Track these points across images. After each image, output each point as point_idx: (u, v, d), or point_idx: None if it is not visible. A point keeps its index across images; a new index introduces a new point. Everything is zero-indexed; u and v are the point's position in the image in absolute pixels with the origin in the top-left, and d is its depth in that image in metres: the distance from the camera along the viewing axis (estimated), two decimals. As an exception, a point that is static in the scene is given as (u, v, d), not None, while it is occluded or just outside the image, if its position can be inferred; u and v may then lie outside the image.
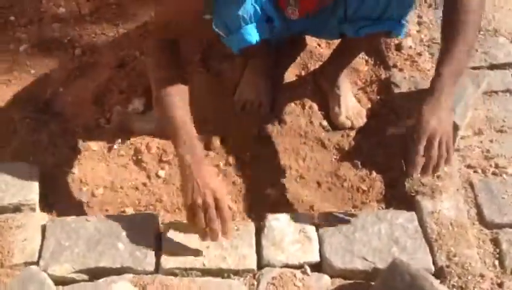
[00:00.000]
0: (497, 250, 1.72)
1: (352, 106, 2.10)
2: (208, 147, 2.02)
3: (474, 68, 2.20)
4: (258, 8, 1.76)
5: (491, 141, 1.99)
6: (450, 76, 1.57)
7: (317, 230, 1.72)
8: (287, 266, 1.65)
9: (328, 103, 2.14)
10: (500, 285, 1.63)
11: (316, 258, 1.67)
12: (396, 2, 1.76)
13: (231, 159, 2.00)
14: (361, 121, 2.09)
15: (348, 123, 2.07)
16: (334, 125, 2.09)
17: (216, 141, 2.03)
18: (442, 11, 1.69)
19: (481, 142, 1.99)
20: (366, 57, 2.32)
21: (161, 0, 1.78)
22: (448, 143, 1.56)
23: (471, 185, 1.87)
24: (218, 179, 1.65)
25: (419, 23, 2.45)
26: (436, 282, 1.48)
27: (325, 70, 2.16)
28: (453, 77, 1.57)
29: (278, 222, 1.73)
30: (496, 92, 2.17)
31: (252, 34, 1.79)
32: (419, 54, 2.30)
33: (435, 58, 2.28)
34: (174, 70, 1.72)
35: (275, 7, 1.80)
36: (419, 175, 1.60)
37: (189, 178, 1.57)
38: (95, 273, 1.62)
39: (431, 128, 1.54)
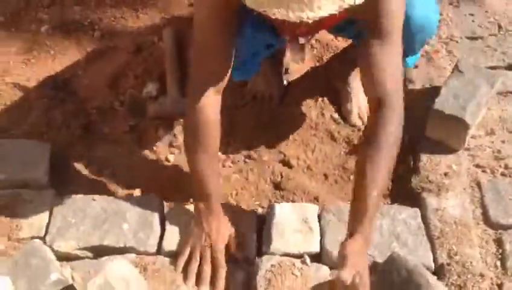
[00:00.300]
0: (500, 251, 1.70)
1: (364, 105, 2.09)
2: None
3: (491, 68, 2.17)
4: (264, 41, 1.76)
5: (503, 142, 1.97)
6: (368, 222, 1.49)
7: (319, 221, 1.73)
8: (286, 254, 1.66)
9: (335, 98, 2.14)
10: (500, 286, 1.62)
11: (316, 248, 1.68)
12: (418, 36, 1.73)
13: (240, 147, 2.01)
14: None
15: (359, 123, 2.07)
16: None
17: (227, 128, 2.04)
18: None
19: (492, 142, 1.97)
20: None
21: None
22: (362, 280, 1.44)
23: (479, 184, 1.85)
24: (228, 231, 1.67)
25: (439, 20, 2.42)
26: (432, 278, 1.48)
27: (336, 68, 2.15)
28: (369, 223, 1.49)
29: (282, 211, 1.74)
30: (511, 93, 2.14)
31: (257, 64, 1.84)
32: (437, 51, 2.28)
33: (452, 55, 2.27)
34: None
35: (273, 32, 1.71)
36: None
37: (196, 223, 1.64)
38: (99, 251, 1.66)
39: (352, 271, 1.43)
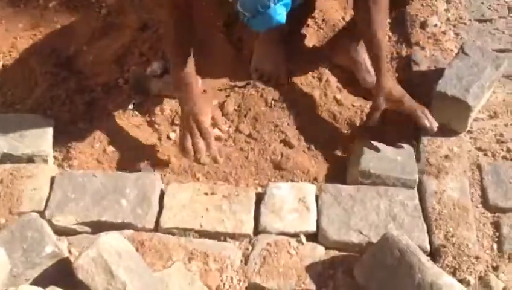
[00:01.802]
0: (497, 234, 1.71)
1: None
2: (221, 112, 2.03)
3: (499, 50, 2.14)
4: None
5: (506, 125, 1.96)
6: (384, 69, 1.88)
7: (316, 201, 1.73)
8: (282, 233, 1.68)
9: (348, 76, 2.12)
10: (495, 268, 1.62)
11: (312, 228, 1.69)
12: None
13: (242, 126, 2.01)
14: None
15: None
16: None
17: (230, 107, 2.05)
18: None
19: (495, 125, 1.96)
20: (390, 33, 2.29)
21: None
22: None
23: (479, 167, 1.85)
24: (209, 105, 1.93)
25: (447, 1, 2.39)
26: (424, 258, 1.48)
27: (339, 44, 2.13)
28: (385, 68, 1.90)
29: (279, 190, 1.75)
30: (517, 76, 2.12)
31: (282, 14, 1.78)
32: (444, 33, 2.26)
33: (459, 38, 2.25)
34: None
35: None
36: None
37: (181, 109, 1.87)
38: (97, 227, 1.69)
39: (382, 102, 1.86)
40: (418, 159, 1.86)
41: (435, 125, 1.84)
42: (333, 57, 2.13)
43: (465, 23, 2.31)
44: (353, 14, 2.08)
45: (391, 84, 1.90)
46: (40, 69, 2.15)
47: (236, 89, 2.10)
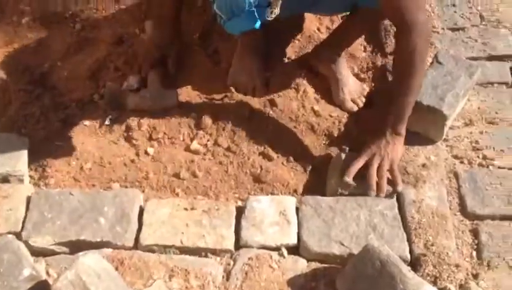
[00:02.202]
0: (476, 241, 1.72)
1: (355, 88, 2.10)
2: (199, 125, 2.03)
3: (472, 58, 2.17)
4: None
5: (481, 133, 1.98)
6: (398, 118, 1.81)
7: (297, 213, 1.73)
8: (264, 247, 1.67)
9: (325, 87, 2.14)
10: (475, 276, 1.63)
11: (293, 241, 1.68)
12: None
13: (220, 140, 2.00)
14: (363, 100, 2.11)
15: (355, 107, 2.08)
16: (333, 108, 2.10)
17: (208, 120, 2.04)
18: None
19: (471, 133, 1.98)
20: (365, 43, 2.31)
21: None
22: (391, 167, 1.79)
23: (456, 175, 1.86)
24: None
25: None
26: (405, 268, 1.48)
27: (321, 54, 2.15)
28: (399, 118, 1.81)
29: (259, 204, 1.75)
30: (491, 84, 2.15)
31: (256, 19, 1.79)
32: (418, 42, 2.28)
33: (433, 47, 2.27)
34: None
35: None
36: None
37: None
38: (75, 246, 1.66)
39: (368, 154, 1.79)
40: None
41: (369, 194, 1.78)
42: (317, 65, 2.14)
43: (438, 32, 2.34)
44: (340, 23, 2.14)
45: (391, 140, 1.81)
46: (14, 86, 2.12)
47: (214, 102, 2.10)
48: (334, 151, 1.98)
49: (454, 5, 2.43)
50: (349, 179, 1.76)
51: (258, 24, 1.79)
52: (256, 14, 1.77)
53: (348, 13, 2.13)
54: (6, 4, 2.47)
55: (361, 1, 1.92)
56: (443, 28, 2.34)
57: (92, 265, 1.40)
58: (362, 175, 1.78)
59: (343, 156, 1.85)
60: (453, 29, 2.34)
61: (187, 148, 1.97)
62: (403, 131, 1.81)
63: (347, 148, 1.91)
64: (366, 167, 1.78)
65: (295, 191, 1.88)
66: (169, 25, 2.14)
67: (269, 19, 1.80)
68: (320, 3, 1.95)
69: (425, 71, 1.88)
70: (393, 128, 1.80)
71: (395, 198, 1.78)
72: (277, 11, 1.77)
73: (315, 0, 1.87)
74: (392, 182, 1.78)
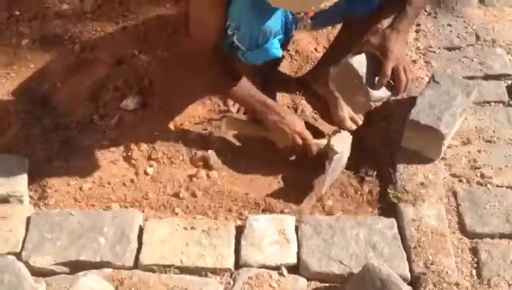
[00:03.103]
0: (475, 260, 1.72)
1: None
2: (198, 145, 2.04)
3: (468, 78, 2.19)
4: (283, 21, 1.81)
5: (479, 151, 1.99)
6: (411, 16, 1.81)
7: (296, 232, 1.74)
8: (264, 266, 1.67)
9: (323, 106, 2.15)
10: (475, 295, 1.63)
11: (293, 260, 1.68)
12: None
13: (220, 159, 2.01)
14: (362, 118, 2.12)
15: (354, 126, 2.09)
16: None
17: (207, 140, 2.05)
18: None
19: (469, 151, 1.99)
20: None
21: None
22: (409, 68, 1.80)
23: (455, 194, 1.87)
24: (298, 119, 1.96)
25: (417, 31, 2.45)
26: (406, 288, 1.49)
27: (317, 73, 2.17)
28: (413, 17, 1.83)
29: (258, 223, 1.75)
30: (488, 103, 2.17)
31: (278, 48, 1.85)
32: (414, 62, 2.31)
33: (429, 66, 2.30)
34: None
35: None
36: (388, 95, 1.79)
37: (277, 127, 1.90)
38: (75, 267, 1.66)
39: (395, 56, 1.75)
40: (394, 187, 1.87)
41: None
42: (313, 85, 2.16)
43: (434, 52, 2.36)
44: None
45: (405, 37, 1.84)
46: (14, 108, 2.13)
47: (213, 122, 2.11)
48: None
49: (450, 25, 2.45)
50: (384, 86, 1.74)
51: (279, 53, 1.86)
52: (276, 43, 1.82)
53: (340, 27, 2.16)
54: (6, 26, 2.48)
55: (353, 12, 1.94)
56: (439, 48, 2.37)
57: (92, 285, 1.40)
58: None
59: (355, 64, 1.75)
60: (449, 49, 2.36)
61: (186, 168, 1.98)
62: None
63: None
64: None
65: (296, 209, 1.88)
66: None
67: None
68: (317, 18, 1.97)
69: None
70: (408, 27, 1.82)
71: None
72: (307, 22, 1.88)
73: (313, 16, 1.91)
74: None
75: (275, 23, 1.79)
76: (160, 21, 2.44)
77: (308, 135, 1.91)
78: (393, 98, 1.83)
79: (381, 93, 1.75)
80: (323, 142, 1.92)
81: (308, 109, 2.17)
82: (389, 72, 1.74)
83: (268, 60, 1.89)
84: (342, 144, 1.90)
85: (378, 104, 1.78)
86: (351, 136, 1.97)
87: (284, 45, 2.02)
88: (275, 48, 1.85)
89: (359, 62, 1.75)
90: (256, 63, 1.91)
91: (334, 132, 1.95)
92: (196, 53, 1.91)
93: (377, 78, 1.74)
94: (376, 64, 1.75)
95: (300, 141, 1.90)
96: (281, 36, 1.84)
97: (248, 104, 1.94)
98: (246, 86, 1.91)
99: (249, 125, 2.03)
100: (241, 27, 1.78)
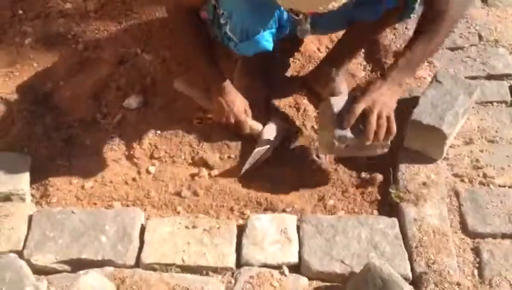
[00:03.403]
0: (477, 259, 1.72)
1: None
2: (199, 144, 2.04)
3: (471, 78, 2.19)
4: (277, 16, 1.81)
5: (482, 151, 1.99)
6: (403, 67, 1.77)
7: (298, 232, 1.74)
8: (265, 265, 1.67)
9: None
10: (476, 295, 1.63)
11: (294, 259, 1.68)
12: None
13: (220, 159, 2.01)
14: None
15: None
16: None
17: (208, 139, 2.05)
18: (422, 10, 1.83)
19: (471, 151, 1.99)
20: (364, 63, 2.33)
21: None
22: (389, 116, 1.74)
23: (457, 194, 1.87)
24: (241, 100, 1.98)
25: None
26: (407, 287, 1.49)
27: (320, 74, 2.17)
28: (406, 69, 1.78)
29: (260, 222, 1.75)
30: (491, 103, 2.16)
31: (269, 40, 1.84)
32: (417, 62, 2.30)
33: (432, 66, 2.29)
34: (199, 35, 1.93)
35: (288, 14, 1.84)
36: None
37: (216, 102, 1.94)
38: (77, 265, 1.66)
39: (372, 99, 1.72)
40: (396, 186, 1.87)
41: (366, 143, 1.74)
42: (315, 85, 2.16)
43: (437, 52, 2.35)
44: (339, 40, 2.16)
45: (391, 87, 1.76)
46: (17, 106, 2.14)
47: (213, 121, 2.10)
48: (337, 168, 1.98)
49: (453, 25, 2.44)
50: (347, 128, 1.69)
51: (271, 45, 1.83)
52: (267, 36, 1.81)
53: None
54: (10, 25, 2.49)
55: (358, 15, 1.94)
56: (442, 48, 2.35)
57: (93, 284, 1.40)
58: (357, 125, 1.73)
59: (333, 101, 1.75)
60: (452, 49, 2.36)
61: (188, 167, 1.98)
62: (404, 85, 1.80)
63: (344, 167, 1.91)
64: (363, 114, 1.72)
65: (296, 208, 1.88)
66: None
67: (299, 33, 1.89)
68: (319, 23, 1.97)
69: (445, 39, 1.86)
70: (398, 77, 1.77)
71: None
72: (306, 27, 1.86)
73: (314, 21, 1.90)
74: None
75: (266, 16, 1.79)
76: (162, 20, 2.44)
77: (242, 115, 1.95)
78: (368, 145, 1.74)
79: (344, 133, 1.70)
80: (257, 126, 2.00)
81: (311, 109, 2.16)
82: (356, 111, 1.70)
83: (258, 52, 1.88)
84: (271, 133, 1.99)
85: (343, 145, 1.73)
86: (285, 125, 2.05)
87: (282, 42, 2.01)
88: (265, 40, 1.83)
89: (338, 100, 1.77)
90: (247, 54, 1.92)
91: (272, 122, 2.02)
92: (171, 12, 1.97)
93: None
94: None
95: (232, 120, 1.94)
96: (273, 30, 1.83)
97: (202, 72, 1.98)
98: (207, 56, 1.93)
99: (196, 91, 2.07)
100: (233, 17, 1.79)
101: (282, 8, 1.80)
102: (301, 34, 1.91)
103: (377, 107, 1.71)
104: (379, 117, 1.71)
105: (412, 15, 1.92)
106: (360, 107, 1.70)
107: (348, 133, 1.71)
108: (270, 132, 2.00)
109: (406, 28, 2.39)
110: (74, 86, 2.24)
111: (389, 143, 1.77)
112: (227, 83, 1.96)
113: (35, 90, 2.22)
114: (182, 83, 2.09)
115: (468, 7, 1.94)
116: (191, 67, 2.16)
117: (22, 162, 1.89)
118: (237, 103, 1.95)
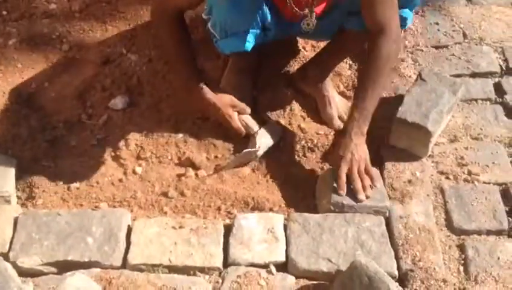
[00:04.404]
0: (463, 256, 1.73)
1: (341, 106, 2.13)
2: (186, 144, 2.04)
3: (456, 76, 2.21)
4: (259, 16, 1.81)
5: (466, 148, 2.01)
6: (360, 118, 1.83)
7: (285, 230, 1.74)
8: (252, 265, 1.67)
9: (311, 105, 2.16)
10: (462, 291, 1.64)
11: (281, 258, 1.69)
12: None
13: (206, 158, 2.01)
14: None
15: (341, 124, 2.09)
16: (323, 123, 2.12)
17: (193, 139, 2.04)
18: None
19: (456, 149, 2.00)
20: (350, 61, 2.34)
21: None
22: (366, 167, 1.82)
23: (442, 191, 1.88)
24: (228, 97, 2.00)
25: (404, 30, 2.45)
26: (393, 284, 1.49)
27: (307, 74, 2.17)
28: (363, 118, 1.84)
29: (247, 221, 1.75)
30: (475, 100, 2.18)
31: (250, 41, 1.84)
32: (402, 60, 2.32)
33: (417, 64, 2.31)
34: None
35: (273, 14, 1.84)
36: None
37: (201, 101, 1.95)
38: (63, 267, 1.65)
39: (347, 162, 1.79)
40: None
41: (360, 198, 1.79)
42: (302, 84, 2.16)
43: (422, 50, 2.37)
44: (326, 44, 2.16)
45: (357, 141, 1.83)
46: (1, 107, 2.12)
47: (200, 121, 2.10)
48: (316, 165, 1.99)
49: (437, 23, 2.46)
50: (343, 195, 1.78)
51: (249, 46, 1.83)
52: (248, 36, 1.81)
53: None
54: (-7, 26, 2.47)
55: (348, 24, 1.95)
56: (427, 46, 2.38)
57: (79, 285, 1.40)
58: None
59: (331, 173, 1.85)
60: (436, 47, 2.37)
61: (175, 167, 1.98)
62: (366, 131, 1.85)
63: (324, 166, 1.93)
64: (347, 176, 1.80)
65: (282, 208, 1.88)
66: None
67: (304, 31, 1.90)
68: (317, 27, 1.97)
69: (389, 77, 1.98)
70: (359, 129, 1.83)
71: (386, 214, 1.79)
72: (313, 22, 1.87)
73: (299, 32, 1.92)
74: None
75: (247, 15, 1.79)
76: (148, 20, 2.43)
77: (228, 110, 1.95)
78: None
79: (341, 199, 1.78)
80: (253, 125, 2.00)
81: (297, 107, 2.17)
82: (342, 176, 1.79)
83: (235, 51, 1.89)
84: (265, 137, 1.99)
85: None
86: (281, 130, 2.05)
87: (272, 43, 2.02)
88: (246, 40, 1.84)
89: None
90: (225, 52, 1.93)
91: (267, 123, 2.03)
92: (155, 13, 1.98)
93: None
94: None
95: (220, 116, 1.95)
96: (256, 31, 1.83)
97: (181, 74, 2.00)
98: (185, 58, 1.95)
99: None
100: (213, 13, 1.80)
101: (264, 9, 1.80)
102: (306, 28, 1.90)
103: (354, 165, 1.80)
104: (359, 172, 1.80)
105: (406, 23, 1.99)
106: (342, 173, 1.79)
107: (342, 199, 1.79)
108: (264, 136, 1.99)
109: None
110: (59, 86, 2.23)
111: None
112: (204, 86, 1.96)
113: (20, 91, 2.20)
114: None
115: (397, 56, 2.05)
116: (172, 70, 2.16)
117: (6, 164, 1.88)
118: (221, 99, 1.96)
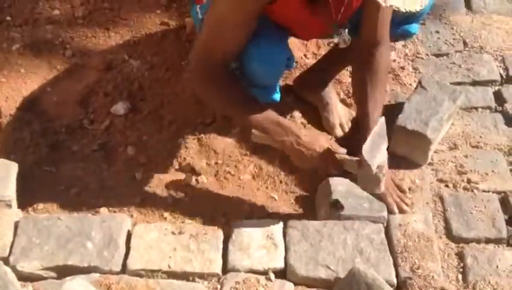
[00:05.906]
0: (461, 264, 1.73)
1: (343, 113, 2.13)
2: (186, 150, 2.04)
3: (456, 84, 2.21)
4: (286, 59, 1.83)
5: (466, 156, 2.01)
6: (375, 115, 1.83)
7: (284, 237, 1.75)
8: (251, 271, 1.67)
9: (312, 112, 2.16)
10: (460, 299, 1.64)
11: (280, 264, 1.69)
12: None
13: (207, 163, 2.02)
14: (350, 124, 2.14)
15: (342, 133, 2.10)
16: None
17: (195, 145, 2.05)
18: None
19: (455, 157, 2.01)
20: (350, 69, 2.34)
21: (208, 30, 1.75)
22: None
23: (441, 199, 1.88)
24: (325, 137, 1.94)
25: None
26: (391, 292, 1.50)
27: (309, 82, 2.18)
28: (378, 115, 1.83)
29: (246, 228, 1.76)
30: (475, 108, 2.19)
31: (278, 92, 1.90)
32: (402, 68, 2.33)
33: (418, 72, 2.31)
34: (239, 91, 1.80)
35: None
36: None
37: (294, 149, 1.75)
38: (63, 271, 1.66)
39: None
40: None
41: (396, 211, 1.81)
42: (303, 92, 2.17)
43: (422, 58, 2.38)
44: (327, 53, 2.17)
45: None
46: (4, 112, 2.13)
47: (200, 127, 2.11)
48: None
49: (437, 32, 2.47)
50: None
51: (277, 96, 1.90)
52: (277, 87, 1.87)
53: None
54: (-3, 31, 2.49)
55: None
56: (427, 54, 2.39)
57: (78, 290, 1.40)
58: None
59: (331, 182, 1.84)
60: (437, 55, 2.38)
61: (175, 173, 1.99)
62: None
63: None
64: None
65: (283, 215, 1.88)
66: None
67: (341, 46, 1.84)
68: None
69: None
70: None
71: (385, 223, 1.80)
72: (346, 36, 1.79)
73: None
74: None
75: (276, 64, 1.80)
76: (150, 26, 2.45)
77: (330, 153, 1.73)
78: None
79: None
80: (351, 158, 1.75)
81: (297, 115, 2.17)
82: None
83: (265, 101, 1.84)
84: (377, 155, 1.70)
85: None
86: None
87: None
88: (276, 92, 1.89)
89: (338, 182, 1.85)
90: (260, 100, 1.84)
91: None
92: (198, 71, 1.78)
93: None
94: None
95: (319, 163, 1.74)
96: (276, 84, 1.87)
97: (261, 127, 1.77)
98: (256, 107, 1.77)
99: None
100: (243, 61, 1.77)
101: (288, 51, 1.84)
102: (342, 44, 1.82)
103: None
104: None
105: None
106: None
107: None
108: (371, 151, 1.68)
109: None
110: (61, 91, 2.24)
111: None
112: (293, 124, 1.87)
113: (23, 97, 2.22)
114: (257, 136, 1.82)
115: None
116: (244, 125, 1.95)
117: (8, 168, 1.88)
118: (316, 142, 1.75)
